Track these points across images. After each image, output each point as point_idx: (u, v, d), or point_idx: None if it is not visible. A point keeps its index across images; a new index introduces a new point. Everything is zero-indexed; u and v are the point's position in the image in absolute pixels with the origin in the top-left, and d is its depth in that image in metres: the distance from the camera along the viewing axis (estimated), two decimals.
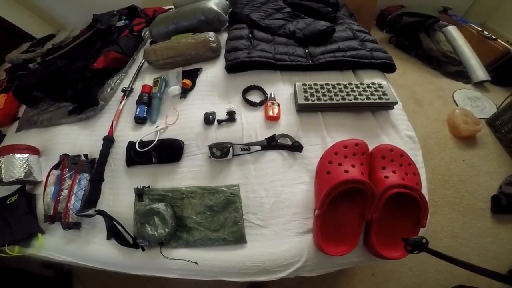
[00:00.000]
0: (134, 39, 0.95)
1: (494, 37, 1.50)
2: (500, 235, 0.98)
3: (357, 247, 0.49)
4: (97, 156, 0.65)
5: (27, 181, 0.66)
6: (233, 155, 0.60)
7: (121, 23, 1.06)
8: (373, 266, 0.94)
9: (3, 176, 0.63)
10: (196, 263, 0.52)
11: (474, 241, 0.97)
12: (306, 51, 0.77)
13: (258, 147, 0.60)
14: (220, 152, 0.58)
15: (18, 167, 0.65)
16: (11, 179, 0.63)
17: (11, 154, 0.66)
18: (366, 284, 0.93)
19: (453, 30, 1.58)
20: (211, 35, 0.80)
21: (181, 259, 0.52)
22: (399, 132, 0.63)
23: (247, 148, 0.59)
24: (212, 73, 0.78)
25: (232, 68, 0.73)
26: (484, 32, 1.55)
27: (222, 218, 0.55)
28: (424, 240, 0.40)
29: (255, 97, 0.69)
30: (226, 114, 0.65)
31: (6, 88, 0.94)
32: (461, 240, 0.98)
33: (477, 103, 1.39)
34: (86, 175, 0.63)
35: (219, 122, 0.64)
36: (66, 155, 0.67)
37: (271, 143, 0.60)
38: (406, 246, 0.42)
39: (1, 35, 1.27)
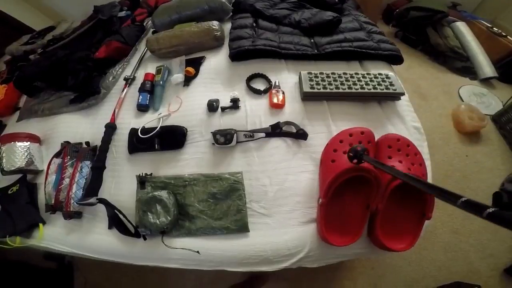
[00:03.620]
0: (136, 29, 0.94)
1: (504, 34, 1.48)
2: (499, 232, 0.97)
3: (361, 238, 0.48)
4: (99, 143, 0.65)
5: (28, 170, 0.65)
6: (237, 142, 0.59)
7: (122, 13, 1.04)
8: (372, 260, 0.94)
9: (4, 165, 0.63)
10: (198, 252, 0.51)
11: (473, 238, 0.97)
12: (312, 40, 0.76)
13: (262, 134, 0.59)
14: (224, 138, 0.57)
15: (19, 156, 0.64)
16: (13, 168, 0.63)
17: (12, 142, 0.65)
18: (365, 278, 0.93)
19: (461, 26, 1.56)
20: (215, 23, 0.79)
21: (183, 248, 0.51)
22: (406, 122, 0.62)
23: (251, 135, 0.58)
24: (216, 61, 0.77)
25: (236, 56, 0.72)
26: (494, 28, 1.53)
27: (225, 206, 0.55)
28: (361, 150, 0.42)
29: (259, 85, 0.68)
30: (230, 102, 0.64)
31: (6, 79, 0.94)
32: (460, 236, 0.98)
33: (483, 100, 1.37)
34: (88, 162, 0.62)
35: (223, 109, 0.63)
36: (67, 142, 0.67)
37: (275, 130, 0.59)
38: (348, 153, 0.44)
39: (1, 28, 1.26)
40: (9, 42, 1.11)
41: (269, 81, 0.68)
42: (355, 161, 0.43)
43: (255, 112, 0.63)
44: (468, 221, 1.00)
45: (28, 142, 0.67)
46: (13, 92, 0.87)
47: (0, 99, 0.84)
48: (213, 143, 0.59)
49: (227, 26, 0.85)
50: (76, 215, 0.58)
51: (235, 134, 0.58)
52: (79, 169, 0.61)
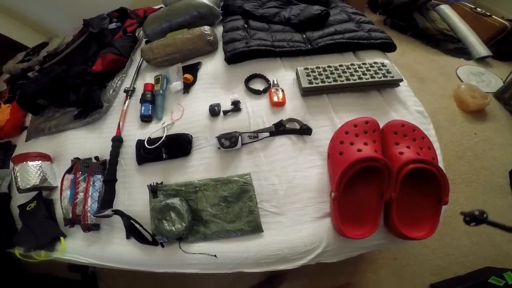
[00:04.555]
0: (129, 39, 0.94)
1: (488, 13, 1.49)
2: None
3: (378, 229, 0.47)
4: (107, 157, 0.66)
5: (43, 187, 0.67)
6: (242, 144, 0.59)
7: (113, 25, 1.05)
8: (394, 250, 0.92)
9: (19, 184, 0.65)
10: (215, 256, 0.52)
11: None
12: (304, 36, 0.76)
13: (267, 134, 0.59)
14: (229, 142, 0.57)
15: (32, 174, 0.66)
16: (28, 186, 0.65)
17: (24, 162, 0.67)
18: (388, 269, 0.91)
19: (446, 9, 1.58)
20: (206, 28, 0.79)
21: (200, 253, 0.52)
22: (408, 107, 0.62)
23: (255, 135, 0.59)
24: (212, 66, 0.77)
25: (232, 59, 0.72)
26: (478, 9, 1.54)
27: (237, 208, 0.55)
28: (485, 215, 0.42)
29: (258, 85, 0.69)
30: (231, 105, 0.64)
31: (9, 98, 0.95)
32: None
33: (482, 78, 1.37)
34: (99, 176, 0.64)
35: (225, 112, 0.64)
36: (77, 159, 0.68)
37: (279, 129, 0.59)
38: (464, 219, 0.44)
39: None
40: (3, 60, 1.12)
41: (267, 80, 0.69)
42: (473, 224, 0.43)
43: (257, 113, 0.63)
44: (488, 203, 0.97)
45: (40, 161, 0.69)
46: (18, 111, 0.88)
47: (6, 119, 0.85)
48: (219, 147, 0.59)
49: (219, 30, 0.86)
50: (94, 227, 0.60)
51: (239, 137, 0.58)
52: (91, 183, 0.62)
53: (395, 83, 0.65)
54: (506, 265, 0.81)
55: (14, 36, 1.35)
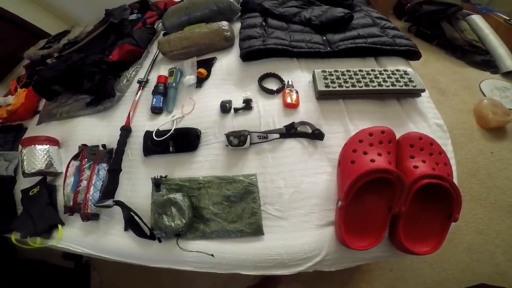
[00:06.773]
0: (148, 31, 0.95)
1: None
2: None
3: (381, 241, 0.45)
4: (115, 146, 0.66)
5: (48, 172, 0.67)
6: (251, 144, 0.58)
7: (133, 16, 1.06)
8: (391, 261, 0.91)
9: (25, 168, 0.65)
10: (212, 255, 0.51)
11: (500, 239, 0.92)
12: (324, 38, 0.74)
13: (277, 135, 0.57)
14: (238, 140, 0.56)
15: (39, 158, 0.66)
16: (33, 170, 0.65)
17: (32, 146, 0.67)
18: (384, 280, 0.90)
19: (477, 19, 1.50)
20: (224, 24, 0.78)
21: (197, 251, 0.51)
22: (427, 120, 0.59)
23: (265, 136, 0.57)
24: (227, 62, 0.76)
25: (247, 56, 0.71)
26: None
27: (239, 209, 0.54)
28: None
29: (272, 85, 0.67)
30: (243, 102, 0.63)
31: (26, 83, 0.97)
32: (486, 237, 0.93)
33: (507, 94, 1.30)
34: (105, 165, 0.63)
35: (236, 110, 0.62)
36: (84, 145, 0.68)
37: (290, 131, 0.57)
38: None
39: (19, 33, 1.32)
40: (27, 47, 1.16)
41: (281, 80, 0.67)
42: None
43: (268, 113, 0.61)
44: (495, 221, 0.96)
45: (48, 145, 0.69)
46: (33, 96, 0.90)
47: (20, 103, 0.87)
48: (227, 145, 0.58)
49: (237, 26, 0.85)
50: (93, 216, 0.59)
51: (248, 136, 0.57)
52: (96, 171, 0.62)
53: (416, 93, 0.62)
54: (501, 283, 0.79)
55: (39, 24, 1.40)
